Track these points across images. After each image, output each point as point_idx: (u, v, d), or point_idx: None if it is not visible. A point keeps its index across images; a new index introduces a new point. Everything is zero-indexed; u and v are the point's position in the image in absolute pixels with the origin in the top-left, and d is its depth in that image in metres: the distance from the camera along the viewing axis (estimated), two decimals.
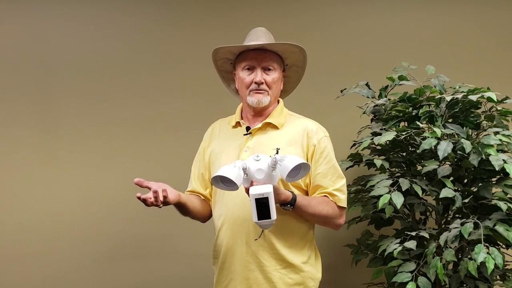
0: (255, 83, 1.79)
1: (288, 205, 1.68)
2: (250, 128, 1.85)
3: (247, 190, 1.60)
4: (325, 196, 1.79)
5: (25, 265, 2.55)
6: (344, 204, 1.81)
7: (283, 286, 1.76)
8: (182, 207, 1.82)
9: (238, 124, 1.90)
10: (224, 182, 1.61)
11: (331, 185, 1.79)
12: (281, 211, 1.69)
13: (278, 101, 1.92)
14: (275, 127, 1.84)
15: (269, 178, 1.59)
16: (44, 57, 2.58)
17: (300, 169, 1.62)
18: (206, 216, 1.95)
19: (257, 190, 1.54)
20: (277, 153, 1.71)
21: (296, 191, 1.78)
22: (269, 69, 1.81)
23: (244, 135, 1.85)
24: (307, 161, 1.78)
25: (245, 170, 1.59)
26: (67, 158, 2.58)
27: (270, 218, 1.54)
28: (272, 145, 1.77)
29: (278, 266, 1.76)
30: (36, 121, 2.57)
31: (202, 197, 1.95)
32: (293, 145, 1.80)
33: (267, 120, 1.84)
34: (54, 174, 2.57)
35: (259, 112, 1.86)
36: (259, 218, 1.54)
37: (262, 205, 1.53)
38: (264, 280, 1.75)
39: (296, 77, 1.96)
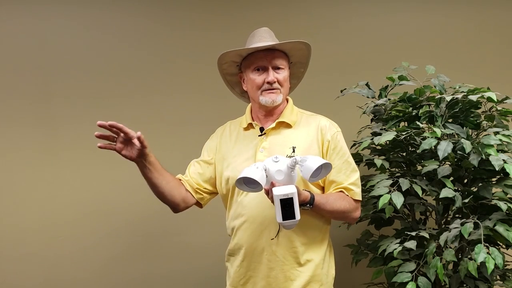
0: (268, 83, 1.79)
1: (307, 204, 1.69)
2: (264, 129, 1.86)
3: (267, 191, 1.61)
4: (341, 191, 1.81)
5: (25, 265, 2.55)
6: (359, 197, 1.83)
7: (302, 284, 1.77)
8: (150, 170, 1.79)
9: (250, 125, 1.90)
10: (247, 184, 1.63)
11: (346, 180, 1.80)
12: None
13: (287, 100, 1.93)
14: (288, 125, 1.85)
15: (288, 179, 1.61)
16: (44, 56, 2.57)
17: (322, 169, 1.64)
18: (172, 198, 1.85)
19: (282, 190, 1.56)
20: (293, 151, 1.73)
21: (314, 188, 1.80)
22: (279, 68, 1.81)
23: (259, 136, 1.85)
24: (322, 156, 1.80)
25: (265, 172, 1.60)
26: (67, 157, 2.58)
27: (295, 218, 1.56)
28: (288, 144, 1.79)
29: (296, 264, 1.77)
30: (36, 121, 2.57)
31: (187, 186, 1.92)
32: (309, 143, 1.82)
33: (280, 119, 1.85)
34: (55, 174, 2.57)
35: (271, 112, 1.86)
36: (284, 219, 1.56)
37: (287, 205, 1.55)
38: (283, 279, 1.76)
39: (300, 73, 1.97)
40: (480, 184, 2.10)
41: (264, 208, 1.74)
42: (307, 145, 1.80)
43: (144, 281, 2.63)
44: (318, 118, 1.88)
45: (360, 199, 1.84)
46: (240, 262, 1.82)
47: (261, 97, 1.81)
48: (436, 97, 2.14)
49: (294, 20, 2.71)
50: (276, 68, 1.81)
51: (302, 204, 1.68)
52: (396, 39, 2.73)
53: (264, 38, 1.84)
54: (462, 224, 1.91)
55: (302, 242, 1.78)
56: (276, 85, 1.80)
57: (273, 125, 1.84)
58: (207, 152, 1.97)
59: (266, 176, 1.61)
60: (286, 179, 1.61)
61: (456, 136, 2.07)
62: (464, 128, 2.11)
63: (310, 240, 1.80)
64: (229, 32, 2.66)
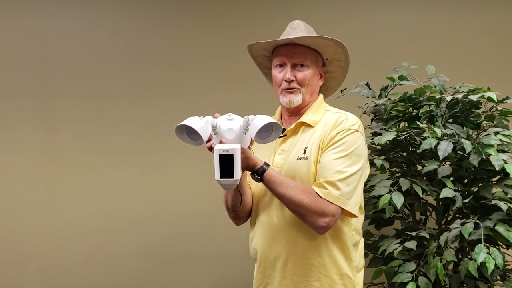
0: (285, 81, 1.67)
1: (255, 174, 1.56)
2: (285, 130, 1.73)
3: (210, 148, 1.50)
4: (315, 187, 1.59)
5: (25, 266, 2.55)
6: (332, 199, 1.55)
7: None
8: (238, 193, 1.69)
9: None
10: (189, 134, 1.51)
11: (326, 177, 1.57)
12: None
13: (318, 97, 1.77)
14: (309, 126, 1.69)
15: (239, 140, 1.51)
16: (44, 56, 2.58)
17: (272, 130, 1.52)
18: (247, 211, 1.78)
19: (223, 146, 1.45)
20: (304, 152, 1.63)
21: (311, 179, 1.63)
22: (301, 65, 1.67)
23: (279, 137, 1.68)
24: (319, 150, 1.63)
25: (215, 128, 1.50)
26: (67, 157, 2.58)
27: (233, 177, 1.44)
28: (304, 145, 1.66)
29: (311, 278, 1.63)
30: (36, 121, 2.57)
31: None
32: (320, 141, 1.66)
33: (300, 120, 1.70)
34: (55, 174, 2.57)
35: (294, 112, 1.74)
36: (221, 176, 1.44)
37: (226, 162, 1.44)
38: None
39: (340, 73, 1.81)
40: (480, 184, 2.10)
41: (278, 217, 1.67)
42: (318, 144, 1.65)
43: (144, 282, 2.63)
44: (339, 115, 1.68)
45: (338, 204, 1.55)
46: (257, 267, 1.76)
47: (280, 97, 1.70)
48: (436, 97, 2.14)
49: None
50: (297, 66, 1.67)
51: (252, 172, 1.57)
52: (396, 39, 2.73)
53: (293, 32, 1.70)
54: (462, 224, 1.91)
55: (319, 254, 1.63)
56: (294, 84, 1.67)
57: (292, 126, 1.71)
58: None
59: (216, 133, 1.50)
60: (237, 140, 1.50)
61: (456, 136, 2.07)
62: (464, 128, 2.11)
63: (328, 255, 1.64)
64: (230, 33, 2.66)
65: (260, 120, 1.48)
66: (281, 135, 1.72)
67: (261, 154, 1.75)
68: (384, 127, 2.21)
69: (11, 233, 2.55)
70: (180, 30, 2.66)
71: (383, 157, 2.18)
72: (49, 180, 2.57)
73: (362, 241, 1.76)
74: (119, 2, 2.63)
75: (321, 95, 1.79)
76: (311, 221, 1.56)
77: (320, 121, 1.69)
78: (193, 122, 1.46)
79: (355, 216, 1.61)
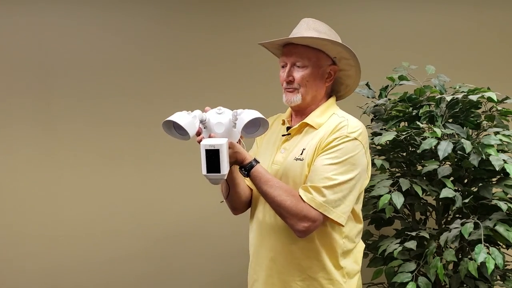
0: (284, 81, 1.67)
1: (242, 168, 1.56)
2: (290, 128, 1.73)
3: (199, 142, 1.50)
4: (300, 192, 1.57)
5: (25, 265, 2.55)
6: (315, 206, 1.52)
7: None
8: (233, 183, 1.68)
9: (284, 122, 1.78)
10: (176, 129, 1.52)
11: (313, 182, 1.55)
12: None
13: (327, 99, 1.73)
14: (313, 127, 1.67)
15: (228, 134, 1.51)
16: (44, 56, 2.57)
17: (260, 125, 1.53)
18: (242, 203, 1.76)
19: (209, 141, 1.45)
20: (301, 153, 1.62)
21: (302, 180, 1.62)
22: (299, 65, 1.65)
23: (282, 135, 1.73)
24: (316, 152, 1.60)
25: (204, 122, 1.50)
26: (67, 157, 2.58)
27: (219, 172, 1.44)
28: (304, 146, 1.65)
29: (297, 278, 1.62)
30: (36, 121, 2.57)
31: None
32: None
33: (305, 121, 1.68)
34: (54, 174, 2.57)
35: (299, 111, 1.72)
36: (208, 171, 1.44)
37: (212, 157, 1.43)
38: None
39: (352, 71, 1.74)
40: (480, 184, 2.10)
41: (272, 215, 1.65)
42: (315, 147, 1.63)
43: (144, 282, 2.63)
44: (341, 120, 1.64)
45: (321, 211, 1.52)
46: (250, 263, 1.77)
47: (283, 95, 1.69)
48: (436, 97, 2.14)
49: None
50: (295, 65, 1.66)
51: (240, 167, 1.57)
52: (396, 39, 2.73)
53: (297, 31, 1.69)
54: (462, 224, 1.91)
55: (307, 255, 1.61)
56: (292, 84, 1.66)
57: (296, 126, 1.70)
58: (256, 146, 1.86)
59: (205, 127, 1.51)
60: (226, 134, 1.50)
61: (456, 136, 2.07)
62: (464, 128, 2.11)
63: (316, 259, 1.62)
64: (230, 33, 2.66)
65: (246, 115, 1.48)
66: (285, 133, 1.73)
67: (265, 150, 1.75)
68: (384, 127, 2.21)
69: (10, 233, 2.55)
70: (180, 30, 2.66)
71: (383, 157, 2.18)
72: (48, 180, 2.57)
73: (360, 247, 1.72)
74: (119, 1, 2.63)
75: (333, 98, 1.75)
76: (290, 223, 1.55)
77: (324, 124, 1.66)
78: (179, 117, 1.47)
79: (341, 225, 1.57)
